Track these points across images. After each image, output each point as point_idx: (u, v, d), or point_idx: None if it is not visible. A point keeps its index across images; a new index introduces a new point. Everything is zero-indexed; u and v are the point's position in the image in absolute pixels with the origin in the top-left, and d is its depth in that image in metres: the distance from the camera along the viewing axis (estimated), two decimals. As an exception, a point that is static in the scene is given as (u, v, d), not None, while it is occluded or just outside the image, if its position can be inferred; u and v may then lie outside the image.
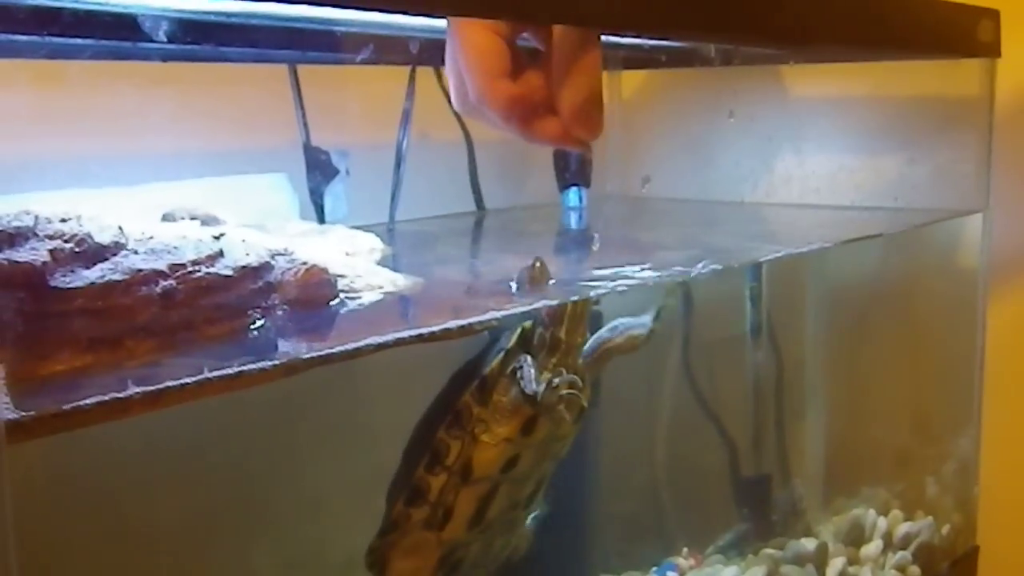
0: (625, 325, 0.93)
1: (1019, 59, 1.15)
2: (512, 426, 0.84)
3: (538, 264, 0.77)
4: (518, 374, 0.84)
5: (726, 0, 0.69)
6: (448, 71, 0.65)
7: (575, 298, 0.85)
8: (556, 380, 0.83)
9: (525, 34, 0.64)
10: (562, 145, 0.65)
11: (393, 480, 0.89)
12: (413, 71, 1.08)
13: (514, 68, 0.63)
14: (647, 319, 0.93)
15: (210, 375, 0.54)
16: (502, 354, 0.85)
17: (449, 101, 1.14)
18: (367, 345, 0.61)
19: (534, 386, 0.82)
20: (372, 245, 0.87)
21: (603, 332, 0.92)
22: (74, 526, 0.77)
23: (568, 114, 0.63)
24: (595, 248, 1.04)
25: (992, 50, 1.11)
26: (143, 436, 0.73)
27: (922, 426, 1.32)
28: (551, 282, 0.77)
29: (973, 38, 1.07)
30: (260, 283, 0.66)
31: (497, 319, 0.69)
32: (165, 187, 0.88)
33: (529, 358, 0.84)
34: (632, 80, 1.37)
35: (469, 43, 0.62)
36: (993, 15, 1.09)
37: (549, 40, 0.63)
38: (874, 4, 0.88)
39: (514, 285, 0.76)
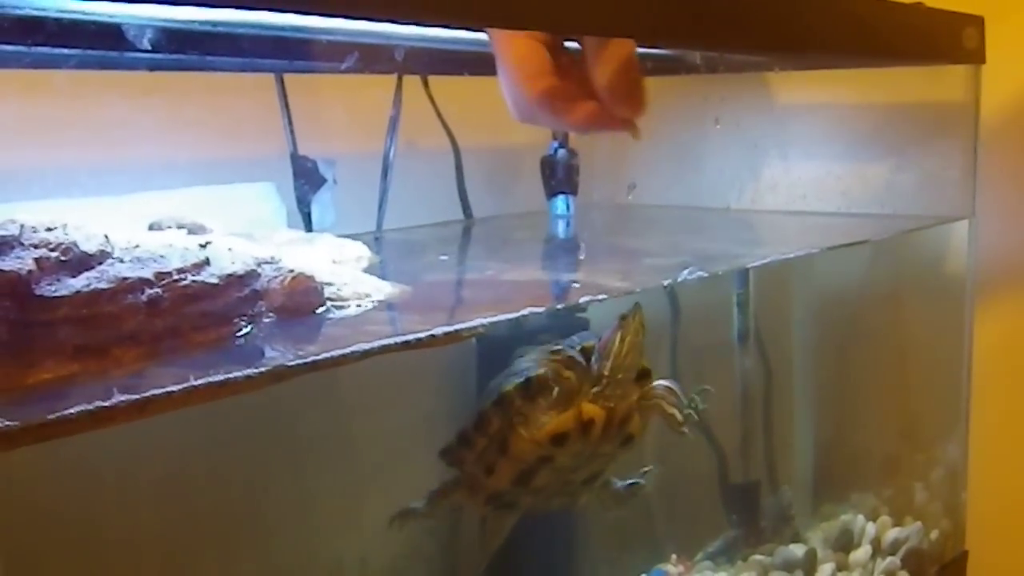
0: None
1: (1004, 65, 1.15)
2: (543, 434, 0.87)
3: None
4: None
5: (712, 8, 0.69)
6: (502, 86, 0.66)
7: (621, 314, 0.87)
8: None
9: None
10: (607, 128, 0.65)
11: None
12: (400, 79, 1.08)
13: (559, 68, 0.64)
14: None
15: (196, 383, 0.53)
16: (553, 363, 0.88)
17: (436, 109, 1.15)
18: (353, 352, 0.61)
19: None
20: (359, 253, 0.87)
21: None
22: (60, 534, 0.76)
23: (606, 94, 0.63)
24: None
25: (977, 57, 1.11)
26: (130, 444, 0.73)
27: (910, 432, 1.33)
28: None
29: (958, 45, 1.08)
30: (246, 291, 0.66)
31: (483, 326, 0.69)
32: (152, 196, 0.88)
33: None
34: (619, 88, 1.37)
35: (508, 52, 0.64)
36: (977, 22, 1.10)
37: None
38: (860, 11, 0.88)
39: None
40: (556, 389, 0.86)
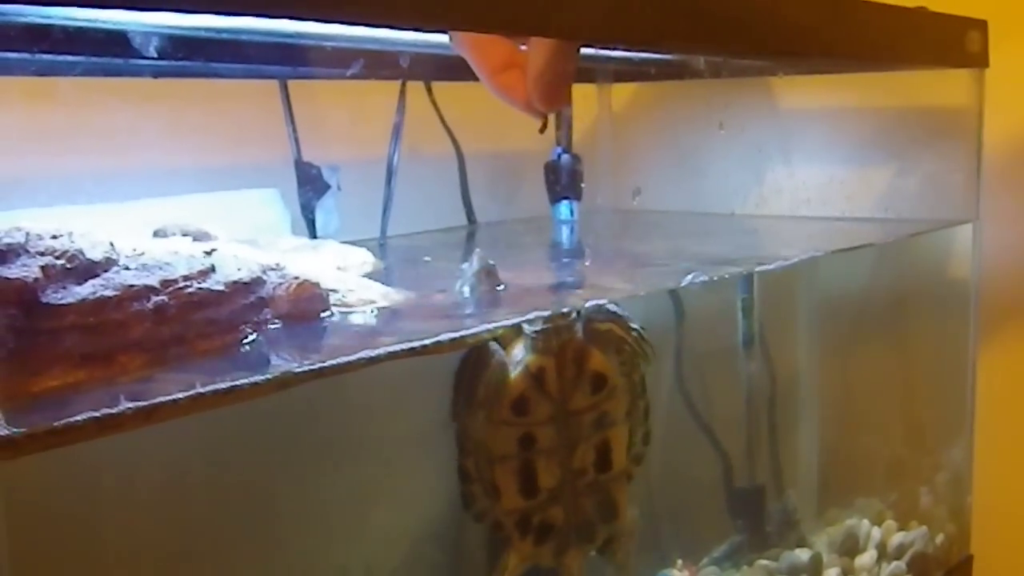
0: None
1: (1007, 69, 1.15)
2: (503, 408, 0.86)
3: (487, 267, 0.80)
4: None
5: (715, 12, 0.69)
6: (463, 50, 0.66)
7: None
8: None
9: None
10: (524, 109, 0.64)
11: None
12: (403, 86, 1.08)
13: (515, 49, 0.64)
14: None
15: (203, 390, 0.53)
16: (492, 343, 0.88)
17: (439, 115, 1.15)
18: (359, 359, 0.61)
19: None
20: (363, 259, 0.87)
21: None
22: (66, 543, 0.76)
23: (529, 79, 0.62)
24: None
25: (980, 60, 1.11)
26: (136, 452, 0.73)
27: (915, 436, 1.33)
28: (500, 288, 0.78)
29: (961, 49, 1.08)
30: (252, 298, 0.66)
31: (489, 330, 0.69)
32: (156, 203, 0.88)
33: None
34: (622, 93, 1.38)
35: (470, 42, 0.64)
36: (981, 26, 1.10)
37: None
38: (863, 15, 0.88)
39: (466, 290, 0.78)
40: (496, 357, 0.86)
